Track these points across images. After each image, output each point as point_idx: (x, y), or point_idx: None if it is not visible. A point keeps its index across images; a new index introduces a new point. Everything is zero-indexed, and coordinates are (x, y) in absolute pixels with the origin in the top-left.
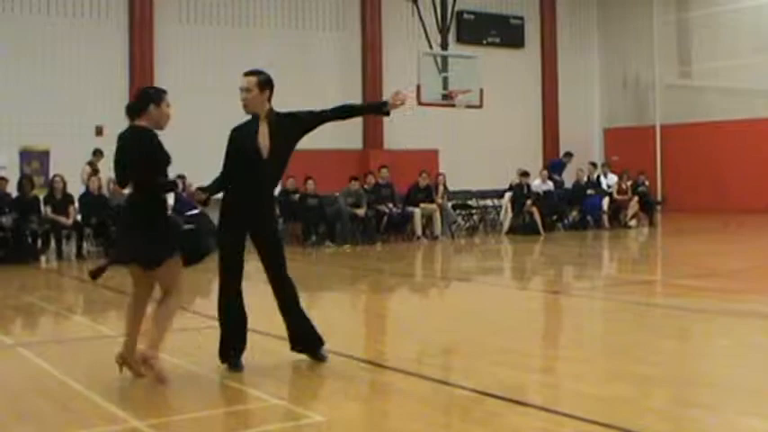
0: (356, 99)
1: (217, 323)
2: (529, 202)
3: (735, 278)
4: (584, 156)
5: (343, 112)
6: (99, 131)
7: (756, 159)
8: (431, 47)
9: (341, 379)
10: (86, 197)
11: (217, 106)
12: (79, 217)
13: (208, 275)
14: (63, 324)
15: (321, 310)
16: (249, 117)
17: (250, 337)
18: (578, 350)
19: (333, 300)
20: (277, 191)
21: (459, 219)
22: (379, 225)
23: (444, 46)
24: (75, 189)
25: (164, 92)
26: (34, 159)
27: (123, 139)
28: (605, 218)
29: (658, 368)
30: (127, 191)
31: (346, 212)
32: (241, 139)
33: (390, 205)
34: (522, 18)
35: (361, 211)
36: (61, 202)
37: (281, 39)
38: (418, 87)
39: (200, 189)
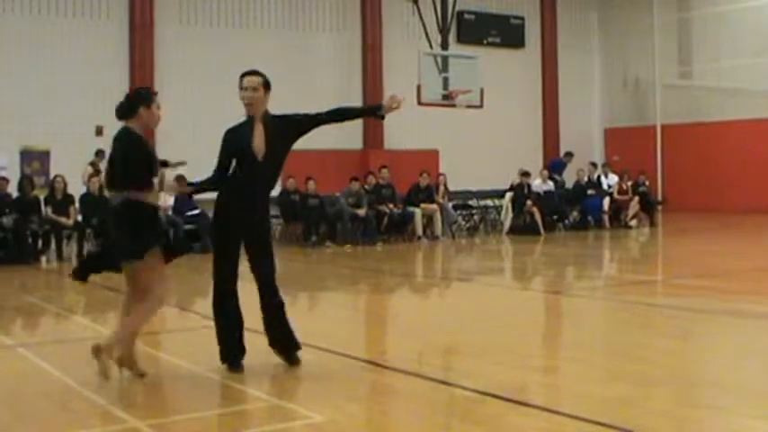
0: (357, 99)
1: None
2: (529, 202)
3: (736, 278)
4: (584, 156)
5: (337, 116)
6: (99, 132)
7: (757, 159)
8: (431, 47)
9: (341, 379)
10: (87, 197)
11: (217, 107)
12: (80, 217)
13: (206, 276)
14: (63, 324)
15: (322, 310)
16: (244, 118)
17: (249, 337)
18: (579, 350)
19: (333, 300)
20: (277, 191)
21: (460, 219)
22: (379, 225)
23: (445, 46)
24: (76, 189)
25: (154, 93)
26: (35, 160)
27: (114, 140)
28: (606, 218)
29: (660, 368)
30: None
31: (347, 213)
32: (236, 141)
33: (391, 205)
34: (522, 18)
35: (361, 212)
36: (62, 202)
37: (281, 39)
38: (419, 87)
39: (189, 184)
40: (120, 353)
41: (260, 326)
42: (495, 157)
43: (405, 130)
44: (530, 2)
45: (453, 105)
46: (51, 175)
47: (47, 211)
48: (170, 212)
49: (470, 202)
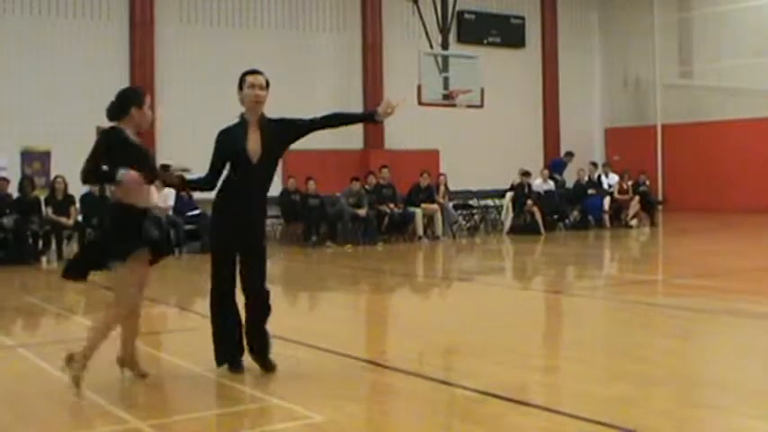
0: (357, 99)
1: None
2: (530, 201)
3: (736, 278)
4: (585, 155)
5: (332, 120)
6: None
7: (757, 159)
8: (431, 47)
9: (341, 379)
10: (88, 198)
11: (217, 106)
12: (80, 218)
13: (206, 276)
14: (64, 325)
15: (322, 309)
16: (237, 120)
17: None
18: (580, 350)
19: (334, 300)
20: (278, 191)
21: (461, 219)
22: (380, 225)
23: (445, 46)
24: (77, 190)
25: (144, 93)
26: (35, 160)
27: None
28: (606, 218)
29: (660, 368)
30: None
31: (348, 213)
32: (229, 143)
33: (392, 205)
34: (522, 18)
35: (362, 212)
36: (62, 202)
37: (281, 39)
38: (419, 87)
39: (186, 181)
40: (122, 353)
41: None
42: (496, 156)
43: (405, 130)
44: (530, 2)
45: (454, 105)
46: (52, 176)
47: (47, 211)
48: (170, 212)
49: (471, 202)
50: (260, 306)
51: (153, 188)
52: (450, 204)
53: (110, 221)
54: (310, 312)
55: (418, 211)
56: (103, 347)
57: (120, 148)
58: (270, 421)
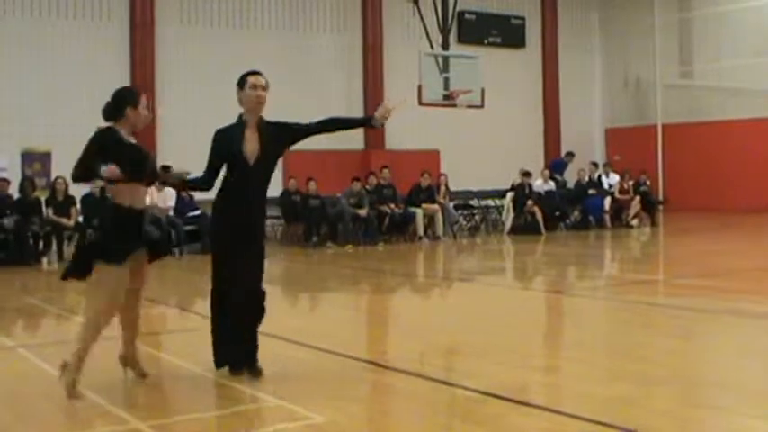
0: (358, 100)
1: None
2: (530, 202)
3: (737, 278)
4: (585, 155)
5: (329, 125)
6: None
7: (758, 159)
8: (432, 47)
9: (342, 379)
10: (88, 198)
11: (217, 107)
12: (81, 218)
13: (206, 276)
14: (64, 325)
15: (323, 310)
16: (234, 121)
17: None
18: (581, 350)
19: (334, 300)
20: (279, 192)
21: (461, 219)
22: (381, 225)
23: (445, 46)
24: (78, 191)
25: (139, 93)
26: (36, 161)
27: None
28: (607, 218)
29: (662, 368)
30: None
31: (348, 213)
32: (226, 144)
33: (392, 206)
34: (523, 18)
35: (363, 212)
36: (63, 203)
37: (282, 40)
38: (419, 88)
39: (185, 181)
40: (124, 351)
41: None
42: (496, 157)
43: (406, 131)
44: (530, 2)
45: (454, 105)
46: (52, 177)
47: (48, 212)
48: (171, 213)
49: (471, 202)
50: (254, 307)
51: (153, 189)
52: (451, 204)
53: (109, 222)
54: (311, 313)
55: (419, 212)
56: (103, 348)
57: (114, 149)
58: (270, 422)
